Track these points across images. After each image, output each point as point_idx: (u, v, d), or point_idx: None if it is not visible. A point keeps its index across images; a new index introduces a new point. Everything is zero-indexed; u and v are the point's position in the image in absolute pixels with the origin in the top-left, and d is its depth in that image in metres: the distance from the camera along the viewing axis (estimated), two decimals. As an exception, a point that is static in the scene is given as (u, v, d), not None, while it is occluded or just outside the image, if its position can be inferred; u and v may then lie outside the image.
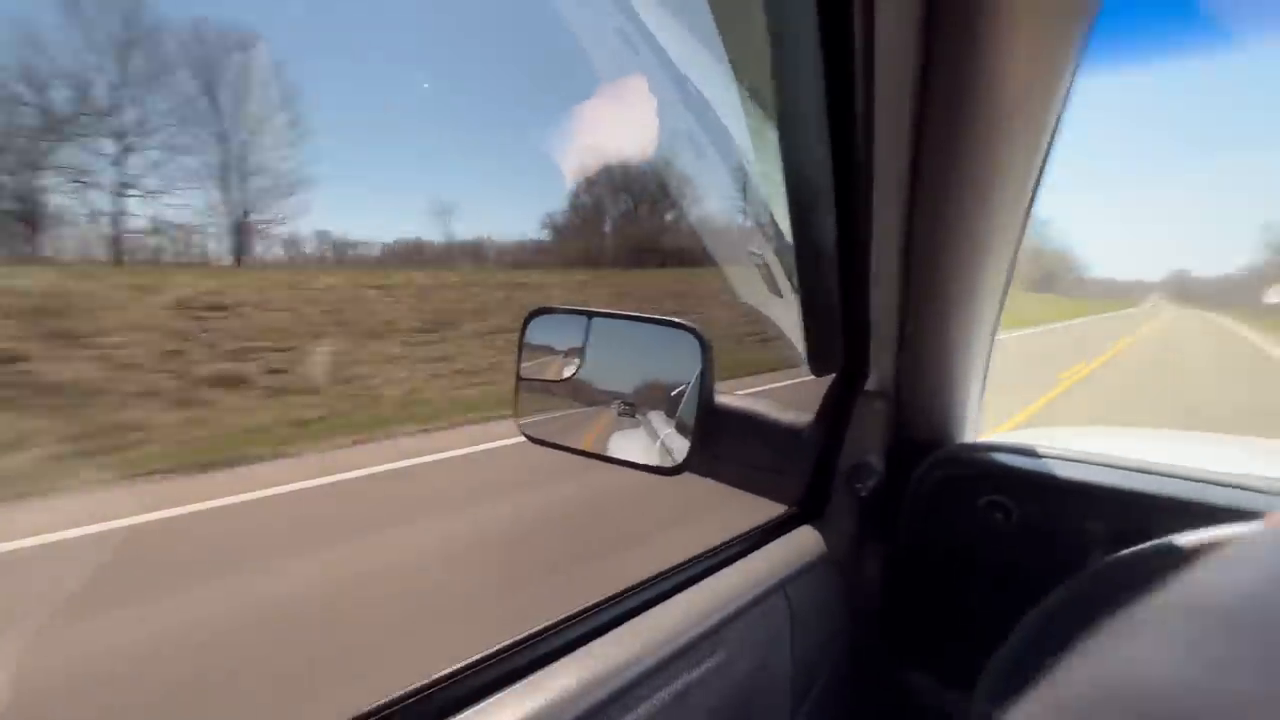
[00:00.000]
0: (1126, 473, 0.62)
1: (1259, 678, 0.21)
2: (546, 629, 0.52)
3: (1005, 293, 0.66)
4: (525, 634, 0.51)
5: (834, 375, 0.76)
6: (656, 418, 0.81)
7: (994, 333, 0.70)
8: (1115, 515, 0.57)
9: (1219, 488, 0.56)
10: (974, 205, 0.51)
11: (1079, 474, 0.63)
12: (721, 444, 0.82)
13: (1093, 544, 0.55)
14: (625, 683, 0.48)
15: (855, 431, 0.75)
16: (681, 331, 0.78)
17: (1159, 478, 0.61)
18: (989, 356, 0.73)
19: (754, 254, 0.83)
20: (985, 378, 0.77)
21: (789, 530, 0.74)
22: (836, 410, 0.75)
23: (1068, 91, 0.47)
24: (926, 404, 0.72)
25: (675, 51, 0.77)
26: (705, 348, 0.74)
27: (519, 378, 0.87)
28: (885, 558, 0.75)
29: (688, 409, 0.77)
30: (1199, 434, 1.40)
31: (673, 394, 0.80)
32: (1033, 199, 0.56)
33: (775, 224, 0.74)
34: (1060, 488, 0.63)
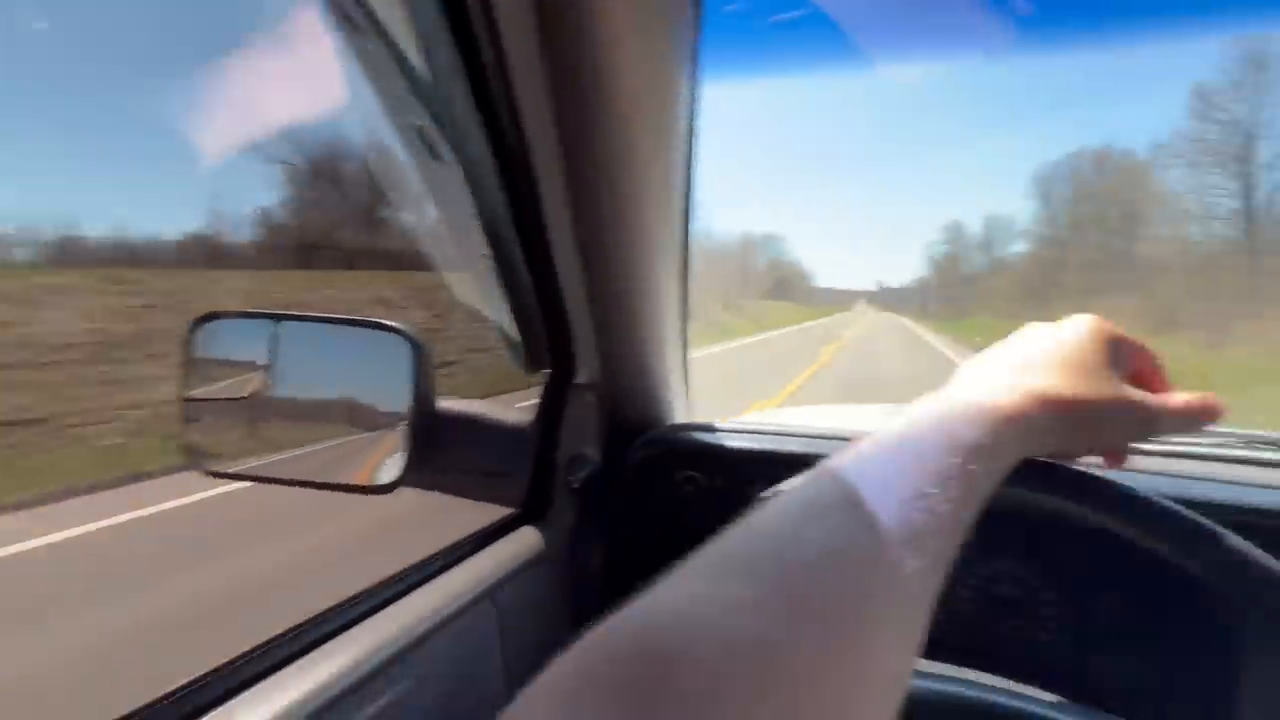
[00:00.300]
0: (788, 438, 0.72)
1: (747, 584, 0.24)
2: (192, 683, 0.42)
3: (684, 283, 0.72)
4: (165, 692, 0.41)
5: (548, 372, 0.77)
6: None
7: (683, 320, 0.77)
8: (775, 477, 0.66)
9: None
10: (627, 200, 0.54)
11: (751, 444, 0.72)
12: (445, 452, 0.78)
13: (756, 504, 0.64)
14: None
15: (571, 425, 0.76)
16: (388, 334, 0.72)
17: (812, 440, 0.72)
18: (684, 342, 0.80)
19: (486, 256, 0.81)
20: (685, 363, 0.85)
21: (508, 533, 0.72)
22: (551, 406, 0.76)
23: (690, 93, 0.54)
24: (630, 392, 0.77)
25: (406, 42, 0.72)
26: (417, 349, 0.70)
27: (186, 399, 0.72)
28: (606, 545, 0.78)
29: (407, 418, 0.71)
30: (871, 405, 1.73)
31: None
32: (688, 196, 0.62)
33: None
34: (734, 457, 0.71)
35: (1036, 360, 0.35)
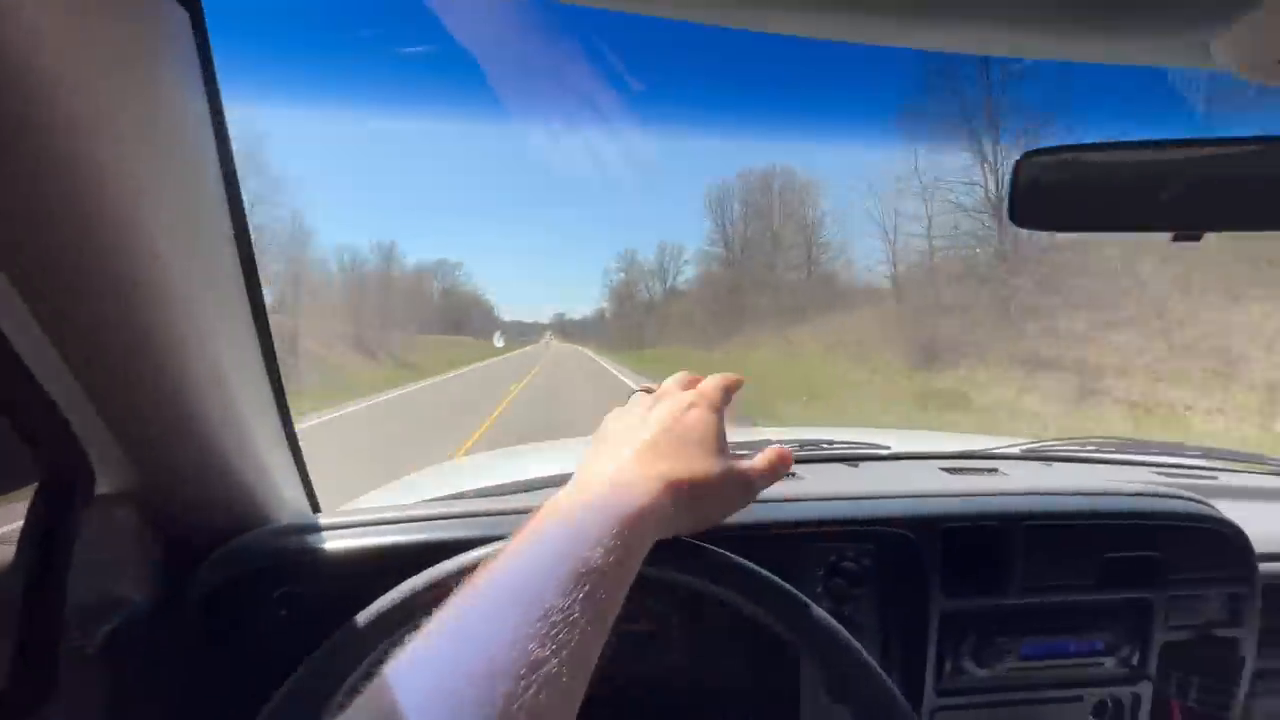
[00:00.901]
0: (417, 525, 0.62)
1: None
2: None
3: (262, 332, 0.56)
4: None
5: (34, 487, 0.51)
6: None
7: (270, 383, 0.60)
8: (402, 574, 0.55)
9: (485, 518, 0.62)
10: (105, 237, 0.38)
11: (372, 539, 0.59)
12: None
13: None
14: None
15: (89, 556, 0.52)
16: None
17: (447, 522, 0.62)
18: (279, 413, 0.63)
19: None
20: (290, 441, 0.67)
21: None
22: (47, 536, 0.51)
23: (208, 99, 0.41)
24: (195, 496, 0.57)
25: None
26: None
27: None
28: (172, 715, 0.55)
29: None
30: (537, 446, 1.74)
31: None
32: (238, 231, 0.48)
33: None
34: (350, 559, 0.58)
35: (662, 445, 0.37)
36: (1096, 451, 1.19)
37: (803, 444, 1.11)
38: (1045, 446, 1.21)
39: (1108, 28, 0.46)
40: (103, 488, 0.52)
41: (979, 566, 0.67)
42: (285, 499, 0.66)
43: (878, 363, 15.87)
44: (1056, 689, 0.69)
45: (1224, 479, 1.09)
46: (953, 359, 13.69)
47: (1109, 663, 0.69)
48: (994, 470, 1.01)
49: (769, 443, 1.14)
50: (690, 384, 0.46)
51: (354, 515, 0.65)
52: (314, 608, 0.56)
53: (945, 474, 0.96)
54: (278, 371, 0.63)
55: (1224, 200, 0.55)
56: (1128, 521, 0.70)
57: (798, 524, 0.66)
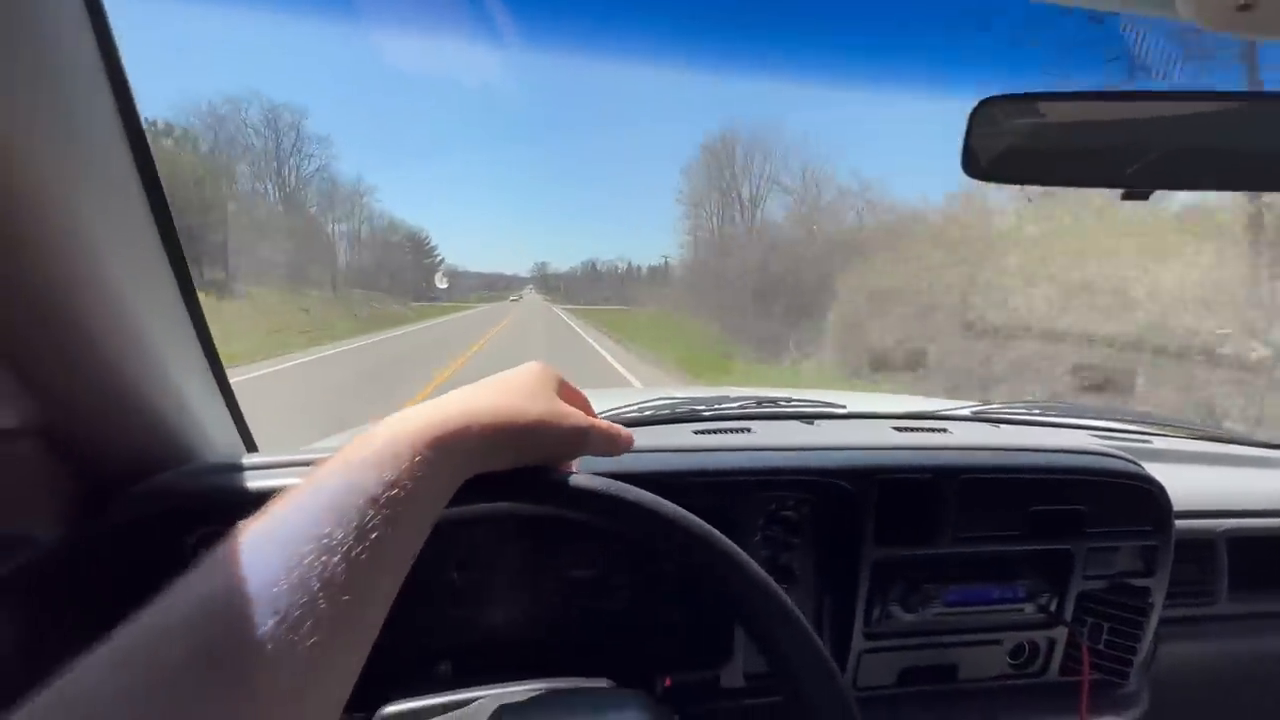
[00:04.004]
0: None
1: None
2: None
3: (177, 264, 0.53)
4: None
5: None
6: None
7: (189, 314, 0.58)
8: None
9: None
10: None
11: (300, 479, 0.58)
12: None
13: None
14: None
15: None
16: None
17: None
18: (203, 347, 0.61)
19: None
20: (217, 378, 0.65)
21: None
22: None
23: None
24: (115, 431, 0.54)
25: None
26: None
27: None
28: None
29: None
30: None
31: None
32: (134, 147, 0.44)
33: None
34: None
35: (482, 389, 0.38)
36: (1041, 414, 1.21)
37: (760, 401, 1.12)
38: (993, 409, 1.24)
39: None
40: (7, 422, 0.50)
41: (913, 517, 0.68)
42: (211, 437, 0.64)
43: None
44: (977, 633, 0.72)
45: (1157, 443, 1.13)
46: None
47: (1028, 609, 0.72)
48: (943, 430, 1.03)
49: (727, 399, 1.15)
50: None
51: (285, 455, 0.63)
52: None
53: (895, 432, 0.98)
54: (198, 308, 0.60)
55: (1185, 159, 0.54)
56: (1056, 477, 0.71)
57: (739, 472, 0.66)
